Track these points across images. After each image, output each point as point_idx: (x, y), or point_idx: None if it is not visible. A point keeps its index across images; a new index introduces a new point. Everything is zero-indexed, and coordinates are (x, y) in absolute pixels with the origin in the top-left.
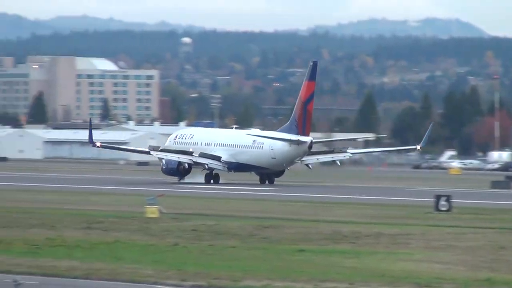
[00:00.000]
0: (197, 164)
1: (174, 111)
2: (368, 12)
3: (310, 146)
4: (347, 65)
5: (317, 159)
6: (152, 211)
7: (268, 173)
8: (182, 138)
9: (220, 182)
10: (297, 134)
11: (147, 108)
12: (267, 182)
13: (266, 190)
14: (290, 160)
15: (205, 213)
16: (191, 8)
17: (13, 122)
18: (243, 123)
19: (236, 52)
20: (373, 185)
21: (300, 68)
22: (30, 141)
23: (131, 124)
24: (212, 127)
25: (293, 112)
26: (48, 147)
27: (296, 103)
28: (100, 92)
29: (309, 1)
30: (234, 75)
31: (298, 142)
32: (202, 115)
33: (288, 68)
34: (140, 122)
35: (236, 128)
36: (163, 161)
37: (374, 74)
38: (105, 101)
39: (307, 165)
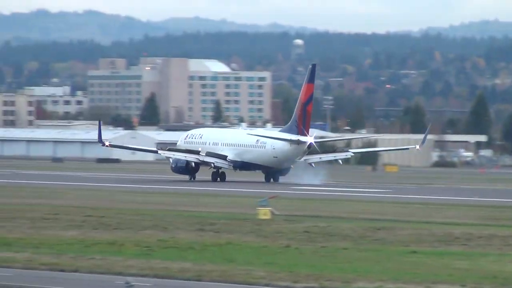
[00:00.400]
0: (204, 163)
1: (286, 113)
2: (480, 13)
3: (309, 146)
4: (458, 67)
5: (320, 158)
6: (264, 213)
7: (272, 171)
8: (192, 138)
9: (226, 180)
10: (297, 134)
11: (259, 109)
12: (271, 180)
13: (379, 192)
14: (291, 159)
15: (317, 214)
16: (303, 10)
17: (126, 123)
18: (355, 125)
19: (348, 53)
20: (486, 187)
21: (413, 69)
22: (142, 143)
23: (243, 125)
24: (324, 129)
25: (294, 113)
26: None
27: (297, 105)
28: (212, 94)
29: (421, 2)
30: (346, 77)
31: (298, 142)
32: (314, 117)
33: (400, 69)
34: (252, 124)
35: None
36: (171, 159)
37: (486, 76)
38: (217, 103)
39: (310, 163)
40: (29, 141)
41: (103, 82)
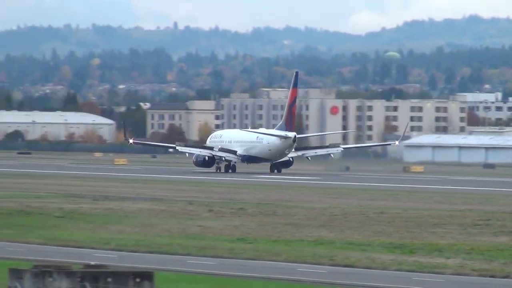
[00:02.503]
0: (217, 157)
1: None
2: None
3: (294, 140)
4: None
5: (315, 152)
6: None
7: (276, 164)
8: (214, 138)
9: (236, 171)
10: (285, 130)
11: None
12: (275, 171)
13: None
14: (282, 152)
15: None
16: None
17: None
18: None
19: None
20: None
21: None
22: None
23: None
24: None
25: (284, 113)
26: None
27: (285, 107)
28: None
29: None
30: None
31: (285, 137)
32: None
33: None
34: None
35: None
36: (190, 154)
37: None
38: None
39: (307, 157)
40: (461, 147)
41: None
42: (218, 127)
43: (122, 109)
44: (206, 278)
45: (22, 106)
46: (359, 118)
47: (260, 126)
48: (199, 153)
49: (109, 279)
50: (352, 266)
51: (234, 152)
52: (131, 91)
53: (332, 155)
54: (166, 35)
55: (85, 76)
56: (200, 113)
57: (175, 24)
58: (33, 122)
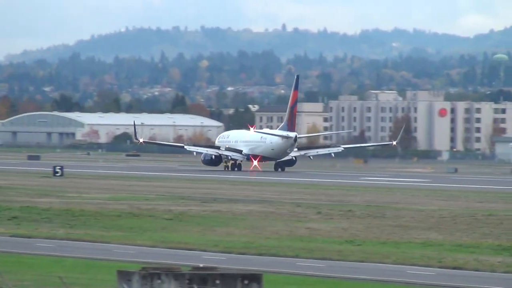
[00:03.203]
0: (224, 156)
1: None
2: None
3: (295, 139)
4: None
5: (317, 152)
6: None
7: (280, 162)
8: (222, 138)
9: (242, 170)
10: (287, 131)
11: None
12: (279, 170)
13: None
14: (284, 151)
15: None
16: None
17: None
18: None
19: None
20: None
21: None
22: None
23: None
24: None
25: (286, 114)
26: None
27: (287, 108)
28: None
29: None
30: None
31: (287, 137)
32: None
33: None
34: None
35: None
36: (197, 153)
37: None
38: None
39: (309, 156)
40: None
41: None
42: (326, 129)
43: (231, 111)
44: (315, 281)
45: (130, 108)
46: (467, 121)
47: (369, 128)
48: (206, 152)
49: (217, 281)
50: (461, 268)
51: (240, 151)
52: (240, 93)
53: (332, 154)
54: (275, 37)
55: (194, 78)
56: (308, 115)
57: (284, 26)
58: (142, 124)
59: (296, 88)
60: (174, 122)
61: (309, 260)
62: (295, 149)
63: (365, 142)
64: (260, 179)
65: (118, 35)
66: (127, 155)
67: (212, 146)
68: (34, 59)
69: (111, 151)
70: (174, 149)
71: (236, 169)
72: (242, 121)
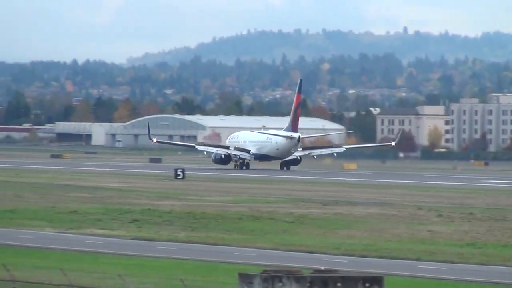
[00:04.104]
0: (232, 155)
1: None
2: None
3: (298, 140)
4: None
5: (321, 151)
6: None
7: (285, 161)
8: (232, 138)
9: (250, 168)
10: (291, 131)
11: None
12: (285, 169)
13: None
14: (288, 150)
15: None
16: None
17: None
18: None
19: None
20: None
21: None
22: None
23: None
24: None
25: (290, 116)
26: None
27: (291, 110)
28: None
29: None
30: None
31: (291, 137)
32: None
33: None
34: None
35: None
36: (208, 153)
37: None
38: None
39: (313, 156)
40: None
41: None
42: (447, 132)
43: (352, 114)
44: (436, 284)
45: (252, 111)
46: None
47: (490, 131)
48: (216, 151)
49: (339, 284)
50: None
51: (248, 151)
52: (361, 96)
53: (335, 154)
54: (396, 39)
55: (315, 81)
56: (430, 118)
57: (405, 29)
58: (263, 127)
59: (299, 91)
60: None
61: (431, 263)
62: (300, 149)
63: (486, 145)
64: (381, 182)
65: (240, 37)
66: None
67: (222, 146)
68: (156, 62)
69: None
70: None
71: (244, 167)
72: (363, 124)
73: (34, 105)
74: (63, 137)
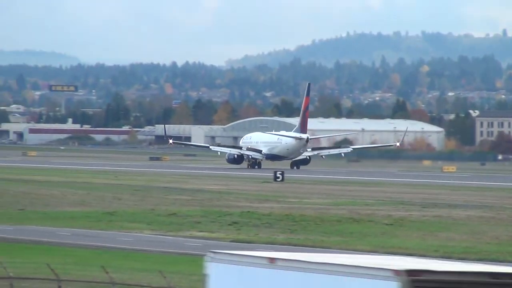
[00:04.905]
0: (245, 155)
1: None
2: None
3: (307, 140)
4: None
5: (329, 152)
6: None
7: (295, 161)
8: (246, 139)
9: (261, 167)
10: (300, 133)
11: None
12: (295, 168)
13: None
14: (297, 150)
15: None
16: None
17: None
18: None
19: None
20: None
21: None
22: None
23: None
24: None
25: (299, 118)
26: None
27: (300, 112)
28: None
29: None
30: None
31: (300, 138)
32: None
33: None
34: None
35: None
36: (221, 153)
37: None
38: None
39: (321, 156)
40: None
41: None
42: None
43: (451, 116)
44: None
45: (351, 113)
46: None
47: None
48: (230, 152)
49: None
50: None
51: (260, 151)
52: (460, 98)
53: (342, 154)
54: (495, 42)
55: (414, 83)
56: None
57: (504, 31)
58: (362, 130)
59: (308, 94)
60: (395, 127)
61: None
62: (309, 149)
63: None
64: (480, 184)
65: (339, 40)
66: (348, 161)
67: (235, 147)
68: (255, 64)
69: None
70: (395, 155)
71: (256, 167)
72: (462, 126)
73: (134, 108)
74: (162, 139)
